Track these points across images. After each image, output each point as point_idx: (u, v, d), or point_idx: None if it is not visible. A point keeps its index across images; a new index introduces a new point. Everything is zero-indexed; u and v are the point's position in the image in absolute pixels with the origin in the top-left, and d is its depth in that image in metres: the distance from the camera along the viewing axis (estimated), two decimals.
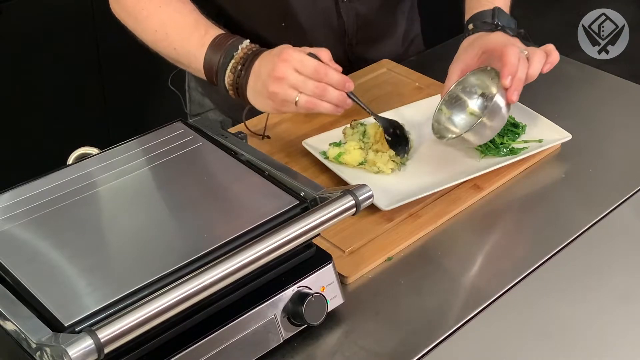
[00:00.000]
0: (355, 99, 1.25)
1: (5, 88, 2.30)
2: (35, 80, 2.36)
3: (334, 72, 1.21)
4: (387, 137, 1.28)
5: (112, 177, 1.02)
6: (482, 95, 1.29)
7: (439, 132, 1.28)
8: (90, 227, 0.95)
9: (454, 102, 1.30)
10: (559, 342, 1.02)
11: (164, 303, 0.80)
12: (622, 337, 1.04)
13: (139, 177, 1.03)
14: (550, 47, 1.29)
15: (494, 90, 1.25)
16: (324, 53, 1.22)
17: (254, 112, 1.31)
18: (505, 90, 1.21)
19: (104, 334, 0.76)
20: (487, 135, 1.24)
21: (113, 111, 2.57)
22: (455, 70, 1.29)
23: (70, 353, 0.74)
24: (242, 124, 1.38)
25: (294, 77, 1.19)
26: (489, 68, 1.26)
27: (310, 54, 1.20)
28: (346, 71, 1.29)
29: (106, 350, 0.76)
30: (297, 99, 1.19)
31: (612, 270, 1.13)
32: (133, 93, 2.57)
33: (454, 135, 1.25)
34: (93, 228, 0.96)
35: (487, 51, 1.28)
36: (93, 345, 0.75)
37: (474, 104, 1.30)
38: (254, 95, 1.23)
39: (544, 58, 1.26)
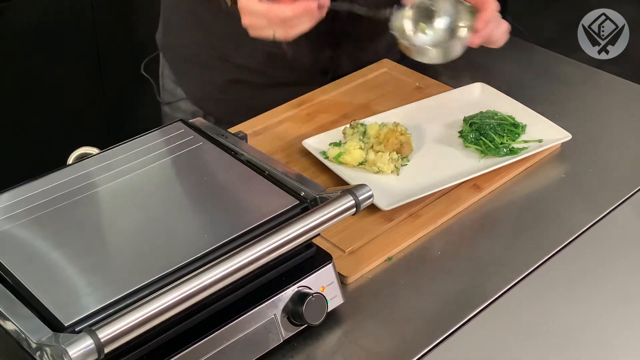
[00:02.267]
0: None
1: (5, 88, 2.30)
2: (35, 80, 2.36)
3: (287, 9, 1.18)
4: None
5: (112, 177, 1.02)
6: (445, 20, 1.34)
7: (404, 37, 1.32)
8: (90, 227, 0.95)
9: (420, 13, 1.33)
10: (559, 342, 1.02)
11: (164, 303, 0.80)
12: (623, 337, 1.04)
13: (139, 177, 1.03)
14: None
15: (464, 22, 1.30)
16: None
17: None
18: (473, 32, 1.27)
19: (104, 333, 0.76)
20: (436, 57, 1.31)
21: (113, 111, 2.57)
22: None
23: (70, 353, 0.74)
24: (242, 123, 1.38)
25: (257, 25, 1.20)
26: (464, 1, 1.31)
27: None
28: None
29: (106, 350, 0.76)
30: (274, 35, 1.20)
31: (612, 270, 1.13)
32: (133, 93, 2.57)
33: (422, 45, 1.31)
34: (93, 228, 0.95)
35: None
36: (93, 345, 0.75)
37: (441, 23, 1.34)
38: None
39: (507, 32, 1.32)
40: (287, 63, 1.45)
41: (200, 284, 0.83)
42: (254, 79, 1.48)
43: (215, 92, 1.43)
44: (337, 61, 1.49)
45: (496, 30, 1.31)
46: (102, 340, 0.76)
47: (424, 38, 1.34)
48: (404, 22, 1.33)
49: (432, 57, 1.33)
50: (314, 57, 1.44)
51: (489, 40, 1.31)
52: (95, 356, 0.76)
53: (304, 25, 1.22)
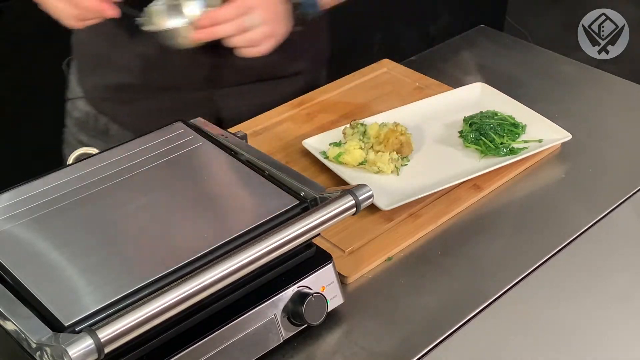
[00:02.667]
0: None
1: (6, 88, 2.30)
2: (35, 79, 2.36)
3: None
4: None
5: (112, 177, 1.02)
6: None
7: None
8: (90, 227, 0.95)
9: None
10: (559, 342, 1.02)
11: (164, 303, 0.80)
12: (622, 336, 1.04)
13: (139, 177, 1.03)
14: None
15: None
16: None
17: None
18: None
19: (104, 333, 0.76)
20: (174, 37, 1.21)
21: None
22: None
23: (70, 353, 0.74)
24: (242, 123, 1.37)
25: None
26: None
27: None
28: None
29: (106, 350, 0.76)
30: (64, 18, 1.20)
31: (612, 270, 1.13)
32: None
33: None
34: (93, 228, 0.95)
35: None
36: (93, 345, 0.75)
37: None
38: None
39: (262, 41, 1.21)
40: (166, 67, 1.38)
41: (200, 284, 0.83)
42: (138, 82, 1.41)
43: (107, 93, 1.42)
44: (220, 70, 1.39)
45: (240, 36, 1.20)
46: (102, 340, 0.76)
47: (176, 21, 1.21)
48: (154, 9, 1.21)
49: (183, 37, 1.20)
50: (194, 63, 1.36)
51: (226, 40, 1.20)
52: (95, 356, 0.76)
53: (91, 20, 1.20)
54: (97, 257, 0.90)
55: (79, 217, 0.96)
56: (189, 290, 0.82)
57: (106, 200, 1.00)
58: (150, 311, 0.79)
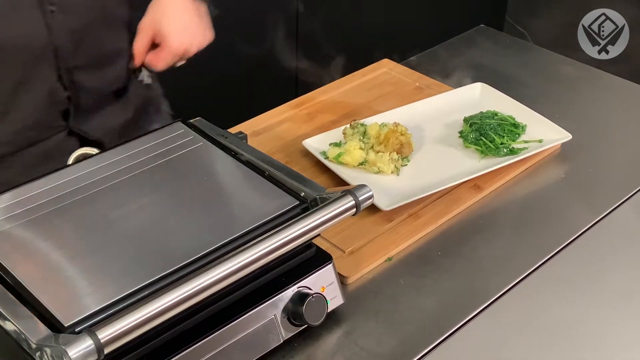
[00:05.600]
0: None
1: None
2: None
3: None
4: None
5: (112, 177, 1.02)
6: None
7: None
8: (90, 227, 0.95)
9: None
10: (559, 342, 1.02)
11: (164, 303, 0.80)
12: (622, 336, 1.04)
13: (139, 178, 1.03)
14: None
15: None
16: None
17: None
18: None
19: (104, 334, 0.76)
20: None
21: None
22: None
23: (70, 353, 0.74)
24: (242, 123, 1.37)
25: None
26: None
27: None
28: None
29: (106, 351, 0.76)
30: None
31: (612, 270, 1.13)
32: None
33: None
34: (93, 228, 0.95)
35: None
36: (93, 346, 0.75)
37: None
38: None
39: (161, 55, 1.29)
40: (15, 123, 1.21)
41: (200, 284, 0.83)
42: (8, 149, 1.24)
43: None
44: (77, 99, 1.24)
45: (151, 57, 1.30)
46: (102, 340, 0.76)
47: None
48: None
49: None
50: (46, 109, 1.23)
51: None
52: (95, 357, 0.76)
53: None
54: (97, 257, 0.90)
55: (79, 218, 0.96)
56: (188, 291, 0.82)
57: (106, 200, 1.00)
58: (150, 312, 0.79)
